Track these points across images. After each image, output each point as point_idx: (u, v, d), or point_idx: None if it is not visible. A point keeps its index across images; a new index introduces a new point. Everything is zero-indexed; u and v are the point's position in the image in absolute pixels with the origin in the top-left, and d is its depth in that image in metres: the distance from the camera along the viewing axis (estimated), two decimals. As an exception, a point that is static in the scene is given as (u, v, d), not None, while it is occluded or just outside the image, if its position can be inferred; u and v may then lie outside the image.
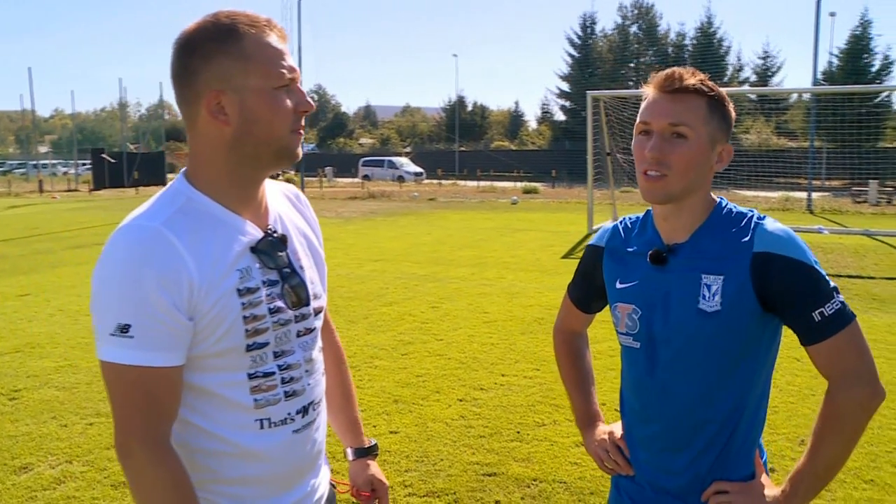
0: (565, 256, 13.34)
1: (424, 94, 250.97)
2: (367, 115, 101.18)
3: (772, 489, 1.69)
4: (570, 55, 57.69)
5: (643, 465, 1.84)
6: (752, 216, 1.69)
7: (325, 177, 46.00)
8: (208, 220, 1.44)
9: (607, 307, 1.95)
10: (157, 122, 54.65)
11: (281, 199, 1.66)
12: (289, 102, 1.46)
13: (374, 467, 1.91)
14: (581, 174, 35.51)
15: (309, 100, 1.49)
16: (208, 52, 1.41)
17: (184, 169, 1.52)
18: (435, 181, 44.75)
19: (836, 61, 47.68)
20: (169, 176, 47.78)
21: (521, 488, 4.09)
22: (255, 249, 1.48)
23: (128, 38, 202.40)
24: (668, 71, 1.69)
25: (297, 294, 1.53)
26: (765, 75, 51.14)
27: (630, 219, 1.90)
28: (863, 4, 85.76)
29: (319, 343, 1.66)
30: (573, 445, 4.65)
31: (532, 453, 4.54)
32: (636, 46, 57.81)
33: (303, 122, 1.50)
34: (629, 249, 1.83)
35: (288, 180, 42.12)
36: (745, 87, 47.34)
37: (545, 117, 64.91)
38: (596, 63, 56.55)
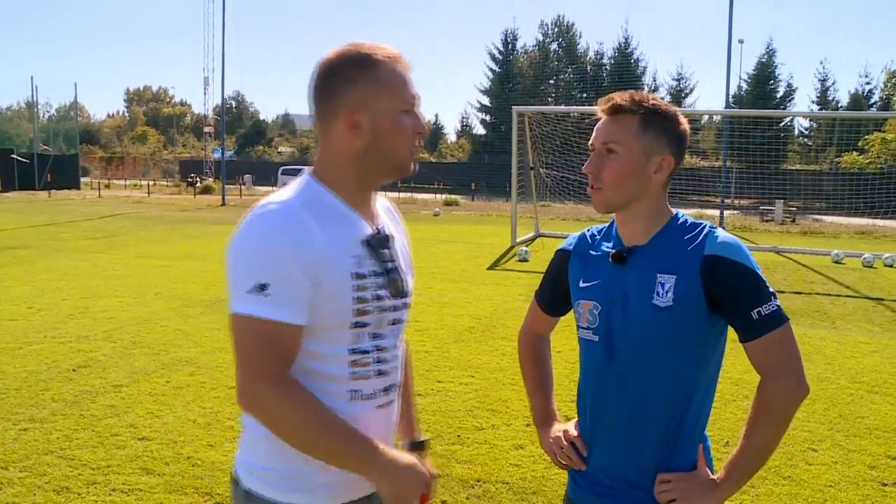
0: (490, 268, 13.58)
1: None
2: (286, 124, 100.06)
3: (709, 476, 1.86)
4: (492, 70, 58.56)
5: (600, 454, 1.99)
6: (706, 226, 1.90)
7: (243, 185, 45.35)
8: (333, 211, 1.67)
9: (569, 315, 2.13)
10: (69, 124, 52.83)
11: (382, 209, 1.89)
12: (409, 125, 1.70)
13: (425, 460, 2.04)
14: (500, 187, 36.04)
15: (424, 123, 1.74)
16: (351, 76, 1.65)
17: (310, 168, 1.76)
18: (355, 191, 44.42)
19: (745, 86, 49.86)
20: (83, 180, 46.38)
21: (466, 489, 4.23)
22: (367, 243, 1.70)
23: (39, 37, 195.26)
24: (608, 95, 1.91)
25: (396, 287, 1.74)
26: (679, 96, 52.92)
27: (597, 228, 2.09)
28: (768, 34, 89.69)
29: (404, 335, 1.86)
30: (512, 448, 4.82)
31: (474, 456, 4.69)
32: (556, 63, 59.04)
33: (417, 143, 1.74)
34: (593, 253, 2.01)
35: (206, 188, 41.36)
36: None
37: (465, 130, 65.54)
38: (516, 78, 57.53)
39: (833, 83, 55.37)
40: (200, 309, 9.01)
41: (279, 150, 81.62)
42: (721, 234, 1.85)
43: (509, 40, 58.67)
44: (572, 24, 58.98)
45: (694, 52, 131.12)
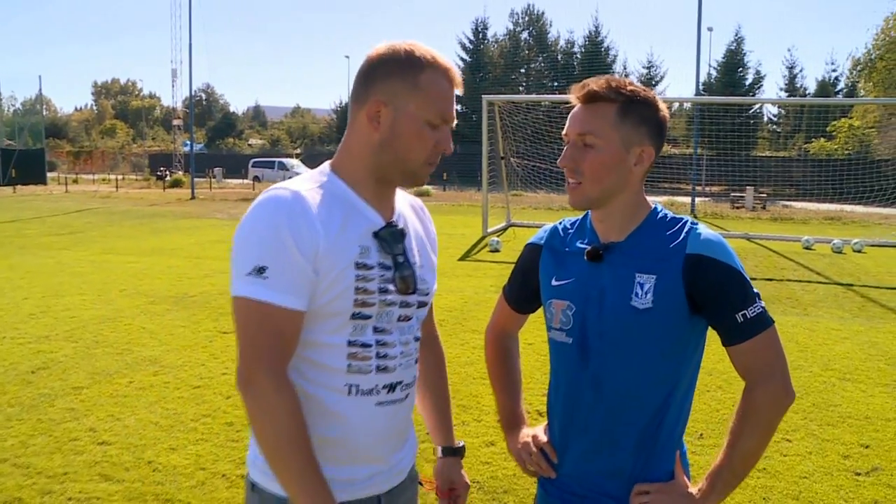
0: (462, 259, 13.49)
1: (315, 96, 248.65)
2: (257, 116, 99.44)
3: (690, 487, 1.75)
4: (462, 59, 58.28)
5: (572, 461, 1.87)
6: (687, 221, 1.78)
7: (214, 178, 44.87)
8: (342, 201, 1.64)
9: (541, 308, 1.99)
10: (35, 118, 51.89)
11: (407, 206, 1.85)
12: (431, 137, 1.65)
13: (460, 467, 2.05)
14: (472, 177, 35.99)
15: (450, 144, 1.69)
16: (390, 71, 1.63)
17: (329, 161, 1.73)
18: (327, 183, 44.20)
19: (714, 73, 50.17)
20: (49, 175, 45.65)
21: (436, 488, 4.12)
22: (377, 235, 1.66)
23: (4, 31, 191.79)
24: (583, 81, 1.76)
25: (406, 282, 1.68)
26: (649, 84, 52.99)
27: (570, 221, 1.95)
28: (736, 22, 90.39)
29: (417, 334, 1.79)
30: (483, 445, 4.73)
31: (444, 454, 4.57)
32: (527, 52, 58.96)
33: (438, 159, 1.69)
34: (567, 249, 1.87)
35: (176, 182, 40.90)
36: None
37: (437, 120, 65.21)
38: (487, 67, 57.34)
39: (800, 70, 55.99)
40: (166, 306, 8.83)
41: (250, 142, 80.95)
42: (703, 230, 1.74)
43: (480, 29, 58.42)
44: (542, 13, 58.96)
45: (664, 40, 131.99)
